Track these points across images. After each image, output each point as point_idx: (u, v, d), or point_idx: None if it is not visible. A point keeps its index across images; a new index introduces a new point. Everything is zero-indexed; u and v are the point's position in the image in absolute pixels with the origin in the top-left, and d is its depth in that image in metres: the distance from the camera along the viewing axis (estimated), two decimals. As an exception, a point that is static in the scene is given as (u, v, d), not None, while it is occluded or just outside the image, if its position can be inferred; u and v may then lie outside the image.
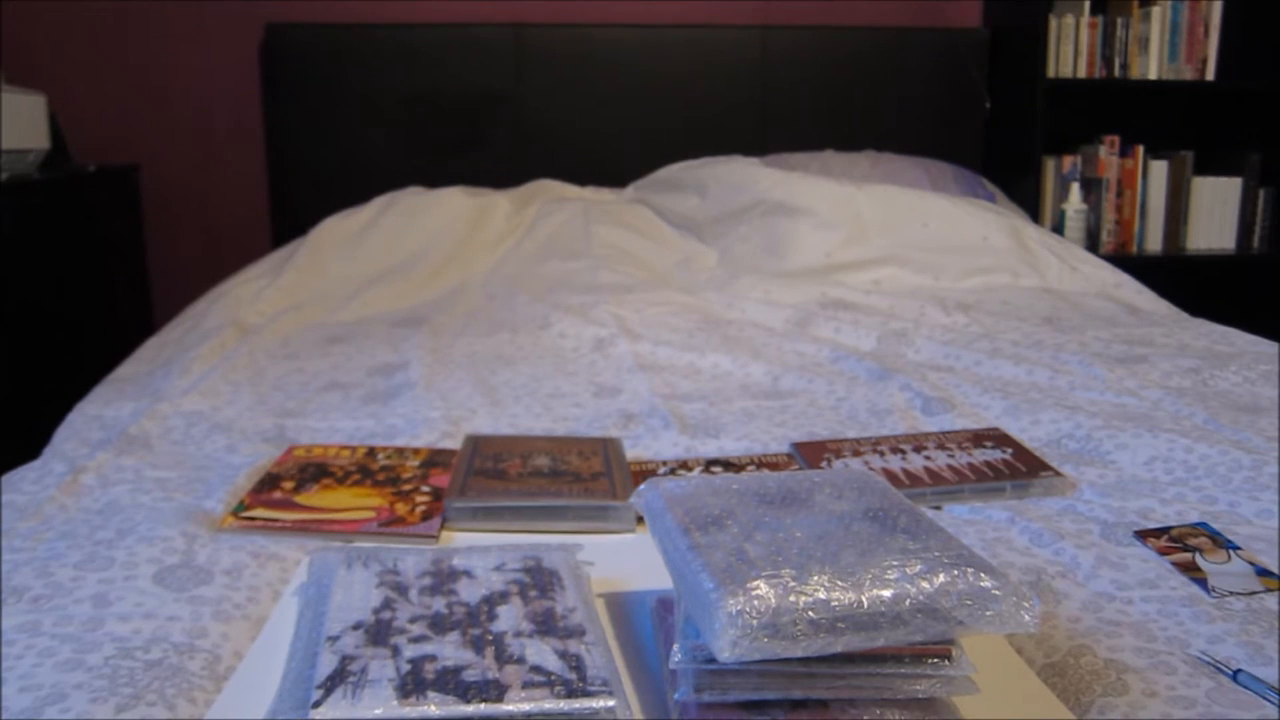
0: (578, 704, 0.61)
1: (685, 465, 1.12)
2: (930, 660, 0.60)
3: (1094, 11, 2.69)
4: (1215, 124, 2.90)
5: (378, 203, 2.35)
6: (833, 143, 2.67)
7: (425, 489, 1.03)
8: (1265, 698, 0.68)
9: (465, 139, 2.68)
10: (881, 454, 1.14)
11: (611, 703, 0.61)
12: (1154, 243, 2.82)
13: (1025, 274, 2.06)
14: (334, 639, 0.66)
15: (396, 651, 0.65)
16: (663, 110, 2.67)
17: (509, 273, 2.09)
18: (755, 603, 0.56)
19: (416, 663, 0.63)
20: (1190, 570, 0.86)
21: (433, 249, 2.19)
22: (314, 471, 1.07)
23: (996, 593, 0.59)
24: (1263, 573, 0.86)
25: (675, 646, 0.61)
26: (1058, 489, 1.06)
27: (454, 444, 1.19)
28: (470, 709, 0.60)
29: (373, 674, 0.62)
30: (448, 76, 2.64)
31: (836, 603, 0.57)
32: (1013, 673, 0.70)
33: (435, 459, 1.12)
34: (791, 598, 0.56)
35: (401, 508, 0.98)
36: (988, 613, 0.58)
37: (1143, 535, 0.93)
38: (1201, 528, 0.95)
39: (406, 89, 2.64)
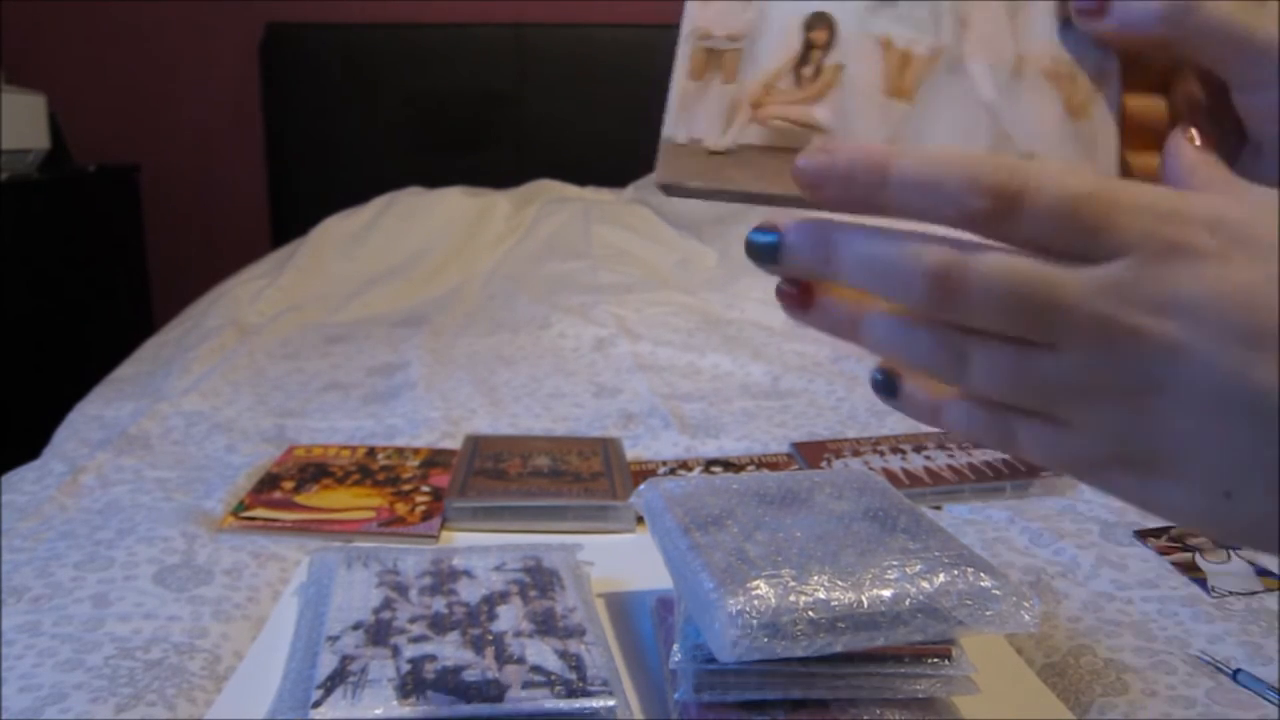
0: (578, 704, 0.61)
1: (685, 465, 1.12)
2: (930, 660, 0.60)
3: (1094, 11, 2.69)
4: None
5: (378, 203, 2.35)
6: (833, 143, 2.67)
7: (425, 489, 1.03)
8: (1265, 697, 0.68)
9: (465, 139, 2.68)
10: (881, 454, 1.14)
11: (611, 703, 0.61)
12: (1154, 243, 2.82)
13: (1025, 274, 2.06)
14: (334, 639, 0.66)
15: (396, 651, 0.65)
16: (663, 110, 2.66)
17: (509, 273, 2.09)
18: (755, 603, 0.56)
19: (416, 663, 0.63)
20: (1190, 570, 0.86)
21: (433, 249, 2.19)
22: (314, 471, 1.07)
23: (996, 593, 0.59)
24: (1263, 572, 0.86)
25: (675, 646, 0.61)
26: (1058, 489, 1.06)
27: (454, 444, 1.19)
28: (470, 709, 0.60)
29: (373, 674, 0.62)
30: (448, 76, 2.64)
31: (836, 603, 0.57)
32: (1013, 673, 0.70)
33: (435, 459, 1.12)
34: (791, 598, 0.56)
35: (401, 508, 0.98)
36: (988, 613, 0.58)
37: (1143, 535, 0.93)
38: (1201, 528, 0.95)
39: (407, 89, 2.64)
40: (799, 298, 0.36)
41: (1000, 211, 0.31)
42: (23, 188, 2.26)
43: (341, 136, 2.65)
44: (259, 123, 2.76)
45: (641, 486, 0.74)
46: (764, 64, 0.37)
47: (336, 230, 2.26)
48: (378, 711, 0.59)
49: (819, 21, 0.38)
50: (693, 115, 0.37)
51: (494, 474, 1.04)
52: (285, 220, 2.71)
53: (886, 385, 0.36)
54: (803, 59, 0.37)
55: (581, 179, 2.59)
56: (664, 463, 1.13)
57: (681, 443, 1.20)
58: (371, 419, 1.30)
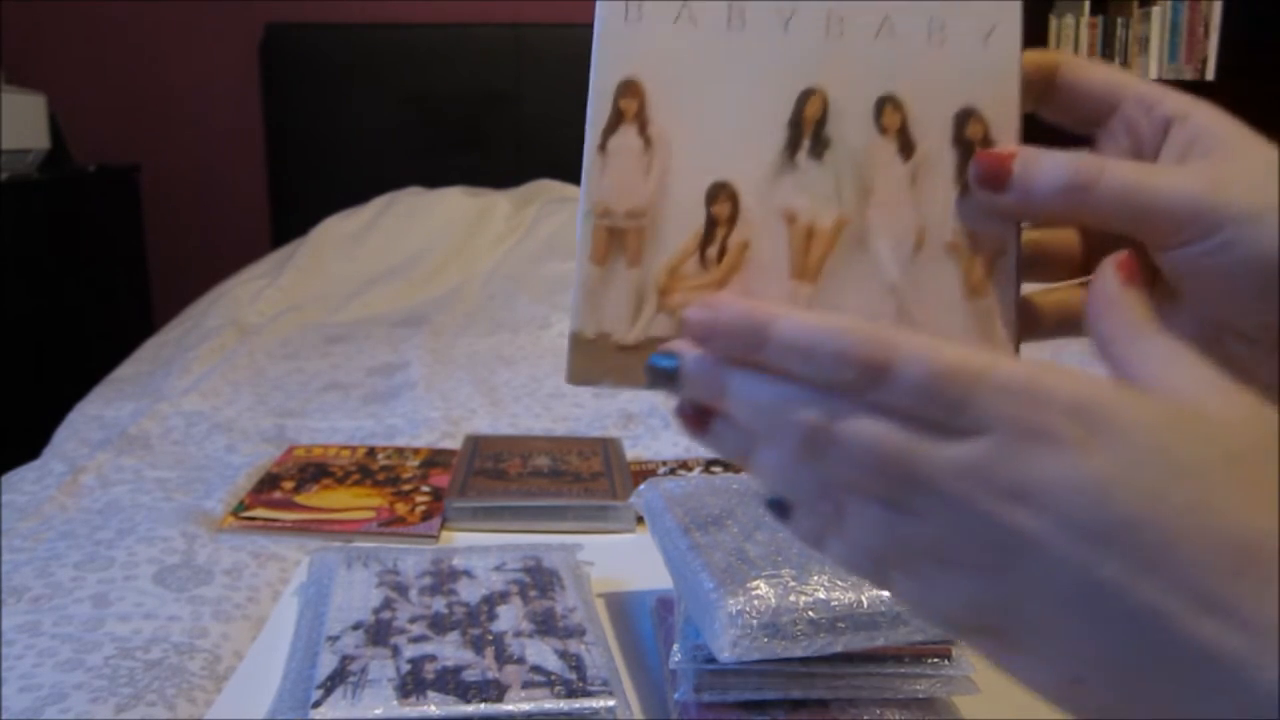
0: (578, 704, 0.61)
1: (685, 465, 1.12)
2: (930, 660, 0.60)
3: (1094, 11, 2.69)
4: (1215, 124, 2.90)
5: (378, 203, 2.35)
6: (833, 143, 2.67)
7: (425, 489, 1.03)
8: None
9: (465, 139, 2.68)
10: (881, 454, 1.14)
11: (611, 703, 0.61)
12: (1154, 242, 2.82)
13: (1025, 274, 2.06)
14: (334, 639, 0.66)
15: (396, 651, 0.65)
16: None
17: (509, 273, 2.09)
18: (755, 603, 0.56)
19: (416, 663, 0.64)
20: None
21: (433, 249, 2.19)
22: (314, 471, 1.07)
23: (996, 593, 0.59)
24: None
25: (675, 646, 0.61)
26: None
27: (454, 444, 1.19)
28: (470, 709, 0.60)
29: (373, 674, 0.62)
30: (448, 76, 2.64)
31: (836, 602, 0.57)
32: (1013, 673, 0.70)
33: (435, 459, 1.12)
34: (791, 597, 0.56)
35: (401, 508, 0.99)
36: (988, 613, 0.58)
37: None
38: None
39: (406, 89, 2.64)
40: (695, 420, 0.35)
41: (866, 383, 0.31)
42: (23, 188, 2.26)
43: (341, 136, 2.65)
44: (259, 123, 2.76)
45: (641, 486, 0.74)
46: (668, 244, 0.37)
47: (336, 230, 2.26)
48: (378, 711, 0.59)
49: (721, 193, 0.37)
50: (600, 306, 0.37)
51: (494, 474, 1.04)
52: (285, 220, 2.71)
53: (779, 509, 0.36)
54: (707, 237, 0.37)
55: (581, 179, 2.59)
56: (664, 463, 1.13)
57: (681, 443, 1.20)
58: (371, 419, 1.30)
